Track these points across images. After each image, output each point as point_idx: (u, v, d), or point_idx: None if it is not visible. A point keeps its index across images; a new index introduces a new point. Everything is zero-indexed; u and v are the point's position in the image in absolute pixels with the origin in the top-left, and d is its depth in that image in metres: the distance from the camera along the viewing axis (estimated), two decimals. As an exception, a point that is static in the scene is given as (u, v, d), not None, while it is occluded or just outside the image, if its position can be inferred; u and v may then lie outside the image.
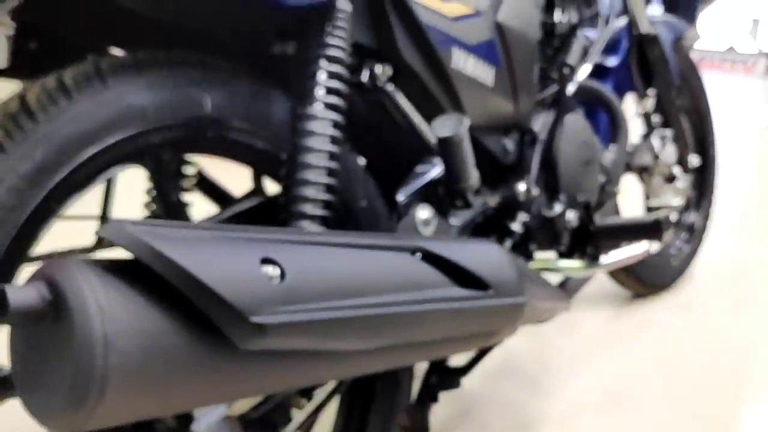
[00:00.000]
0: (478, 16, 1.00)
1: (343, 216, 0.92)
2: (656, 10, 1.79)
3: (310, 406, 0.90)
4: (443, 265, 0.76)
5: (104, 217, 0.95)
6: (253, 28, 0.83)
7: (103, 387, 0.48)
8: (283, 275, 0.57)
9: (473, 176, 0.91)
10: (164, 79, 0.77)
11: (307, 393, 0.90)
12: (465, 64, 0.98)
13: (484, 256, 0.82)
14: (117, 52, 0.86)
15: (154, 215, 0.88)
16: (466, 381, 1.14)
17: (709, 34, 6.33)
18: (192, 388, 0.52)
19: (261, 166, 0.91)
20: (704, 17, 6.43)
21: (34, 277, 0.52)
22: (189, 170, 0.91)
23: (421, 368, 1.05)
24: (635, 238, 1.20)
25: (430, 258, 0.75)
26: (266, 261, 0.57)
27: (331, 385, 0.91)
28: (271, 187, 0.99)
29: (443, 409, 1.31)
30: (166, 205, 0.84)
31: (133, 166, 0.80)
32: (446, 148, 0.87)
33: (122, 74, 0.74)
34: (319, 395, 0.90)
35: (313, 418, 0.91)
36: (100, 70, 0.73)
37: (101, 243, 0.96)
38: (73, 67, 0.73)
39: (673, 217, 1.64)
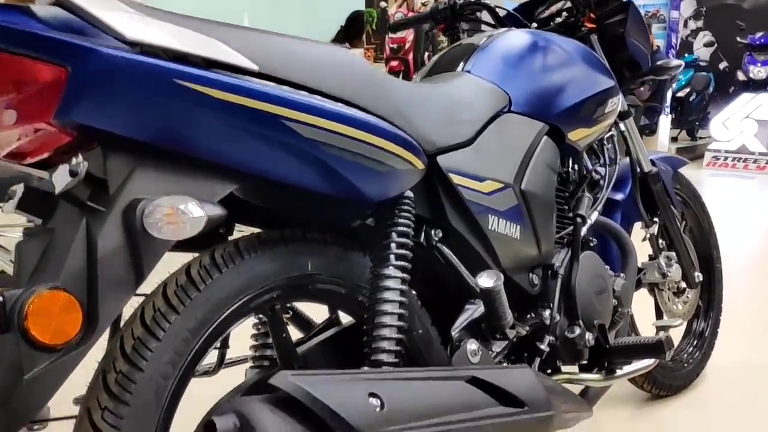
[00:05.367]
0: (507, 188, 1.30)
1: (405, 343, 1.18)
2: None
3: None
4: (489, 389, 1.02)
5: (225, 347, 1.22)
6: (343, 214, 1.13)
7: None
8: (383, 405, 0.84)
9: (508, 316, 1.18)
10: (280, 251, 1.06)
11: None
12: (498, 225, 1.27)
13: (520, 380, 1.08)
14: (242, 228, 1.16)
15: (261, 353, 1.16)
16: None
17: (720, 135, 6.66)
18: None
19: (342, 306, 1.19)
20: (716, 120, 6.78)
21: (223, 411, 0.79)
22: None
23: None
24: (643, 355, 1.45)
25: (480, 384, 1.01)
26: (372, 395, 0.84)
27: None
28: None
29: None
30: (278, 342, 1.11)
31: (255, 315, 1.10)
32: (487, 296, 1.15)
33: (253, 251, 1.03)
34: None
35: None
36: (239, 248, 1.02)
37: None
38: (220, 247, 1.02)
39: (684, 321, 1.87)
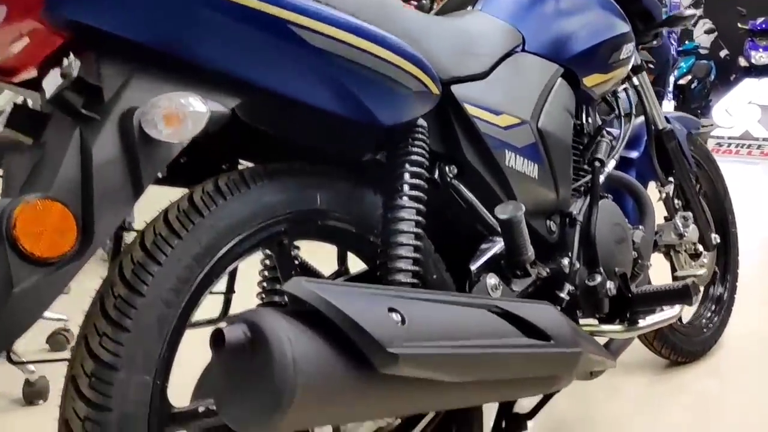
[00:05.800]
0: (524, 125, 1.24)
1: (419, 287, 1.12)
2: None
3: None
4: (513, 320, 0.95)
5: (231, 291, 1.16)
6: (352, 143, 1.07)
7: (292, 398, 0.67)
8: (403, 320, 0.77)
9: (530, 251, 1.12)
10: (288, 183, 1.00)
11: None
12: (515, 162, 1.21)
13: (545, 314, 1.01)
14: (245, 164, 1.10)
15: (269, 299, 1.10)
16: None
17: (723, 121, 6.61)
18: (349, 402, 0.71)
19: (352, 247, 1.12)
20: (719, 106, 6.73)
21: (233, 321, 0.72)
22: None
23: (491, 414, 1.22)
24: (668, 302, 1.38)
25: (503, 314, 0.95)
26: (392, 309, 0.77)
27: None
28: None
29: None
30: (287, 280, 1.05)
31: (262, 250, 1.03)
32: (507, 228, 1.09)
33: (260, 180, 0.97)
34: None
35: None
36: (244, 177, 0.96)
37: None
38: (224, 175, 0.96)
39: (700, 286, 1.82)
